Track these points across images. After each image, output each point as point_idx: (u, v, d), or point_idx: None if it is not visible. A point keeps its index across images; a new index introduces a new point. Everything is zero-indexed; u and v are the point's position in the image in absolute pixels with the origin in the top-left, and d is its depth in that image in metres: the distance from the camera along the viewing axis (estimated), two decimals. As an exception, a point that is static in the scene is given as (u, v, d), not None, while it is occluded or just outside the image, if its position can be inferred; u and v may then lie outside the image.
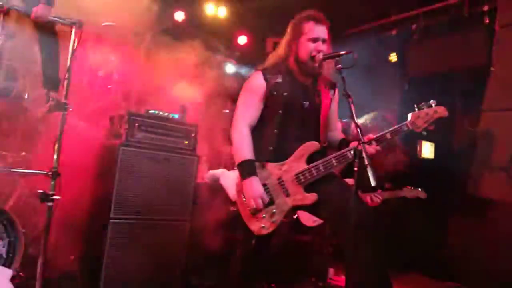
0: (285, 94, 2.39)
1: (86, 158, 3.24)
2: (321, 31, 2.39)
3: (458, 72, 3.79)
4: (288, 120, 2.38)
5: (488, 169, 2.78)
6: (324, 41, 2.39)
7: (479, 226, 3.20)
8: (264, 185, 2.33)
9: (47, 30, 2.72)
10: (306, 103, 2.42)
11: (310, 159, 2.35)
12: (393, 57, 4.38)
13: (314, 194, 2.31)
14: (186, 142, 3.46)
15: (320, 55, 2.36)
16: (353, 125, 2.19)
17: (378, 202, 3.24)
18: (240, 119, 2.42)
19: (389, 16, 4.14)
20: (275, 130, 2.37)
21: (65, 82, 2.74)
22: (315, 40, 2.38)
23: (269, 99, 2.40)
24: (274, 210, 2.32)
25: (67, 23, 2.70)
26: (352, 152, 2.26)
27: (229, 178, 3.43)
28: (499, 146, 2.76)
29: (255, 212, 2.33)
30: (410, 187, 3.29)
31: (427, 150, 3.66)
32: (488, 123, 2.53)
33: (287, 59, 2.44)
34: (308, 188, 2.33)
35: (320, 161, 2.32)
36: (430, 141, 3.48)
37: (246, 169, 2.33)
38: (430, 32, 3.94)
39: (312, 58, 2.37)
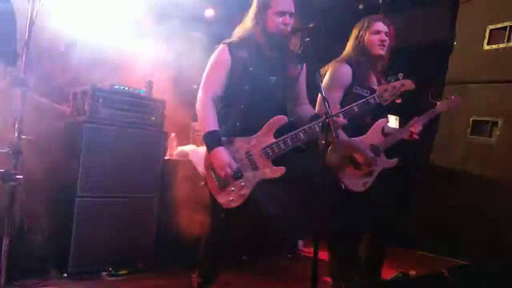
0: (251, 69, 2.37)
1: (50, 136, 3.14)
2: (288, 4, 2.37)
3: (422, 47, 3.89)
4: (255, 95, 2.36)
5: (450, 139, 2.89)
6: (291, 14, 2.37)
7: (441, 196, 3.32)
8: (233, 158, 2.33)
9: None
10: (273, 78, 2.41)
11: (278, 133, 2.36)
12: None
13: (282, 167, 2.33)
14: (153, 118, 3.41)
15: (288, 28, 2.35)
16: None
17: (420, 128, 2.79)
18: (204, 92, 2.40)
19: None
20: (242, 105, 2.36)
21: (23, 56, 2.63)
22: (282, 13, 2.35)
23: (235, 74, 2.38)
24: (243, 183, 2.34)
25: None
26: (320, 125, 2.29)
27: (198, 154, 3.41)
28: (461, 117, 2.87)
29: (224, 185, 2.34)
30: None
31: (392, 123, 3.73)
32: (451, 96, 2.61)
33: (254, 32, 2.41)
34: (276, 162, 2.34)
35: (288, 135, 2.33)
36: (395, 114, 3.55)
37: (211, 140, 2.33)
38: (395, 6, 3.99)
39: (280, 31, 2.36)
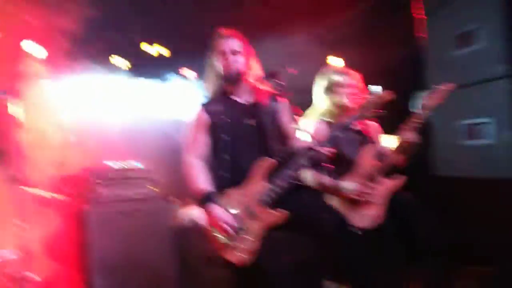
0: (226, 119, 2.39)
1: (57, 230, 3.13)
2: (228, 43, 2.42)
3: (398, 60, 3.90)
4: (235, 143, 2.37)
5: (443, 147, 2.85)
6: (235, 52, 2.41)
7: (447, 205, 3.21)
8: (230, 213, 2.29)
9: None
10: (249, 122, 2.42)
11: (271, 175, 2.32)
12: (331, 59, 4.45)
13: (284, 211, 2.27)
14: (155, 188, 3.39)
15: (239, 66, 2.38)
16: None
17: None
18: (187, 153, 2.44)
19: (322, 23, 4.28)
20: (226, 156, 2.36)
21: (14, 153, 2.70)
22: (224, 53, 2.41)
23: (214, 129, 2.42)
24: (248, 237, 2.28)
25: (3, 94, 2.71)
26: (305, 158, 2.25)
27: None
28: (450, 123, 2.85)
29: (230, 242, 2.28)
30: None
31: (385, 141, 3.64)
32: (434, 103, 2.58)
33: (216, 82, 2.46)
34: (276, 206, 2.29)
35: (279, 177, 2.28)
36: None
37: (202, 199, 2.31)
38: (364, 27, 4.06)
39: (232, 70, 2.39)
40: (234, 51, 2.41)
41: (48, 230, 3.03)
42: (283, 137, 2.52)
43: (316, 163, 2.12)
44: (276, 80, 2.29)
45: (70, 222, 3.24)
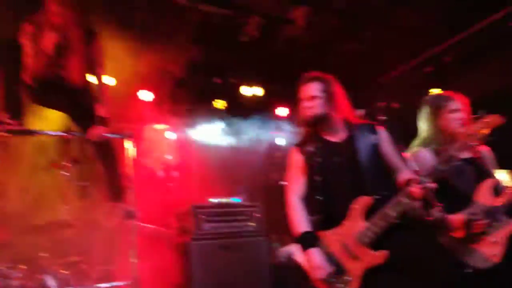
0: (317, 159, 2.39)
1: (163, 260, 3.35)
2: (305, 89, 2.43)
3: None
4: (328, 183, 2.35)
5: None
6: (311, 98, 2.40)
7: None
8: (329, 254, 2.26)
9: (105, 147, 3.03)
10: (341, 160, 2.37)
11: (370, 213, 2.24)
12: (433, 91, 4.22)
13: (383, 251, 2.18)
14: (253, 224, 3.48)
15: (314, 110, 2.38)
16: None
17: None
18: (289, 193, 2.46)
19: (420, 54, 4.12)
20: (320, 197, 2.34)
21: (132, 191, 2.98)
22: (302, 100, 2.43)
23: (307, 169, 2.43)
24: (348, 278, 2.21)
25: (121, 137, 3.03)
26: (407, 194, 2.14)
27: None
28: None
29: (329, 283, 2.25)
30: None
31: (503, 178, 3.33)
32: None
33: (304, 124, 2.48)
34: (375, 246, 2.21)
35: (377, 216, 2.20)
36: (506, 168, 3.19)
37: (303, 242, 2.31)
38: (467, 60, 3.83)
39: (305, 117, 2.41)
40: (310, 96, 2.41)
41: (155, 261, 3.24)
42: (387, 169, 2.40)
43: (423, 199, 1.99)
44: (378, 116, 2.24)
45: (175, 254, 3.44)
